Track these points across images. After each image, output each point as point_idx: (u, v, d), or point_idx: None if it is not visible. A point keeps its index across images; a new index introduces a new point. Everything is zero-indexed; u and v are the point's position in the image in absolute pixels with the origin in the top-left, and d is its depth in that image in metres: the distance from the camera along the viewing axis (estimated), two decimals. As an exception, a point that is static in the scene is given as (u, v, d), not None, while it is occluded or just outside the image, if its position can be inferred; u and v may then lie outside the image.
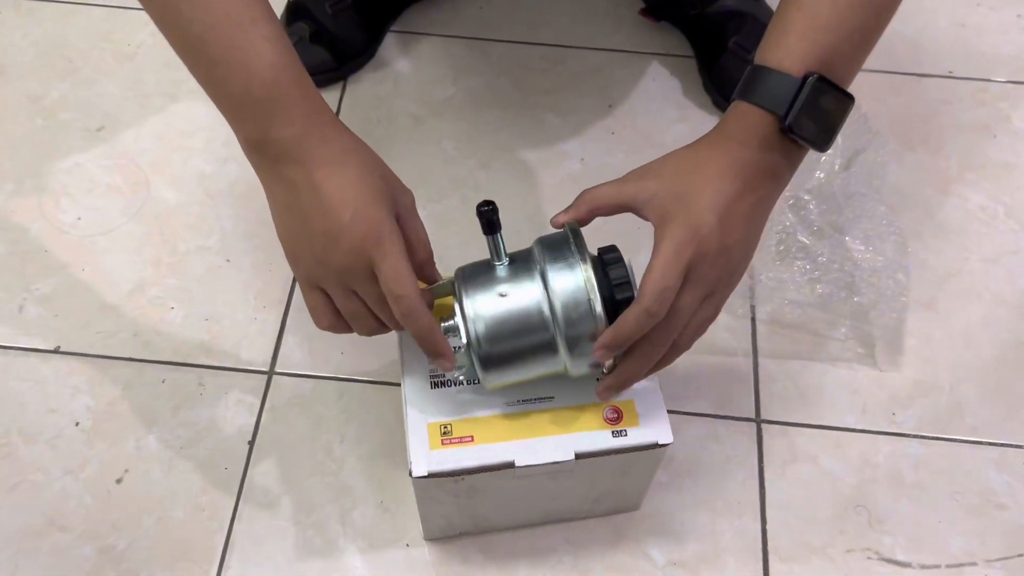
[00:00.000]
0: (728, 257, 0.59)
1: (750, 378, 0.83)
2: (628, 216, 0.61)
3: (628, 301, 0.57)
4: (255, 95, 0.56)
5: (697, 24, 1.02)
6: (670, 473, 0.77)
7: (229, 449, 0.78)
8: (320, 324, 0.63)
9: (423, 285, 0.64)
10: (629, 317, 0.56)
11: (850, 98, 0.60)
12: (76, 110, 0.97)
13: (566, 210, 0.61)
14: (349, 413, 0.80)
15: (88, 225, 0.90)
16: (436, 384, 0.64)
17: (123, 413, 0.79)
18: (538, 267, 0.58)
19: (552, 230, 0.61)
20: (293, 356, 0.83)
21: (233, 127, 0.59)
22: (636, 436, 0.62)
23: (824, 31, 0.59)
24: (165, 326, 0.84)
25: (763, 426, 0.80)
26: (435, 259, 0.64)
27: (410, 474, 0.61)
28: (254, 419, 0.79)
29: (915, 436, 0.80)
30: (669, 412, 0.63)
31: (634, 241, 0.65)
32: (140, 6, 0.58)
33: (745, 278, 0.81)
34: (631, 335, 0.56)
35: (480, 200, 0.58)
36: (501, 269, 0.59)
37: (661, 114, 0.99)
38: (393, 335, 0.64)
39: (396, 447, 0.77)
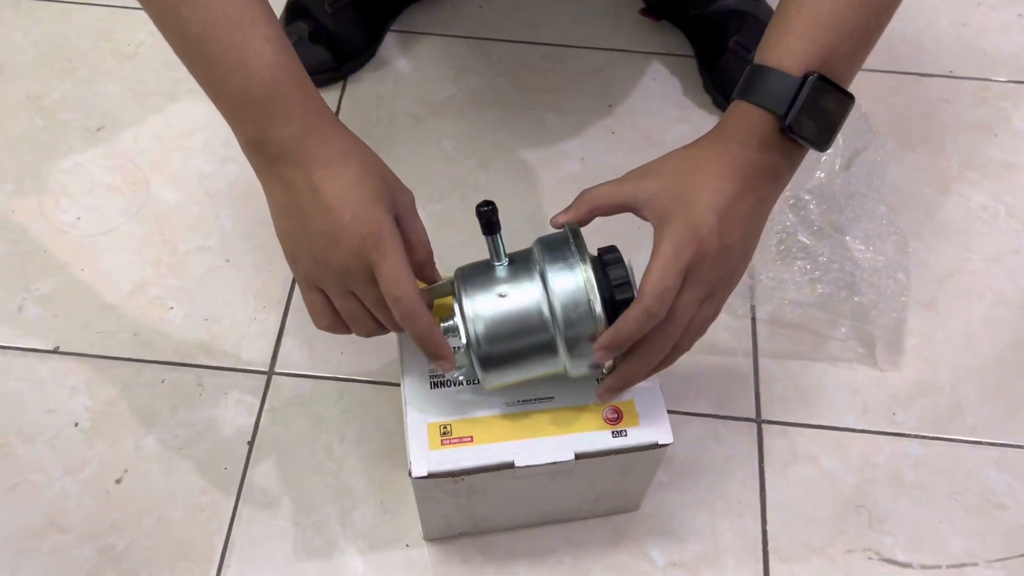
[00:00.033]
0: (728, 257, 0.58)
1: (750, 378, 0.82)
2: (628, 216, 0.61)
3: (628, 302, 0.57)
4: (254, 95, 0.56)
5: (697, 23, 1.02)
6: (670, 473, 0.77)
7: (229, 449, 0.78)
8: (319, 325, 0.63)
9: (423, 285, 0.64)
10: (629, 318, 0.56)
11: (850, 97, 0.60)
12: (76, 110, 0.97)
13: (566, 210, 0.61)
14: (349, 413, 0.80)
15: (88, 225, 0.90)
16: (436, 384, 0.64)
17: (122, 413, 0.79)
18: (538, 267, 0.58)
19: (552, 230, 0.61)
20: (293, 356, 0.83)
21: (232, 127, 0.59)
22: (636, 436, 0.62)
23: (824, 30, 0.59)
24: (165, 326, 0.84)
25: (763, 426, 0.80)
26: (435, 259, 0.63)
27: (410, 474, 0.61)
28: (254, 419, 0.79)
29: (915, 436, 0.80)
30: (669, 412, 0.63)
31: (634, 241, 0.64)
32: (140, 6, 0.58)
33: (745, 278, 0.81)
34: (631, 336, 0.56)
35: (480, 200, 0.58)
36: (501, 269, 0.59)
37: (661, 114, 0.99)
38: (392, 335, 0.64)
39: (396, 447, 0.77)
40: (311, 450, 0.78)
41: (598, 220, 0.61)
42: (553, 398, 0.63)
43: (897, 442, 0.80)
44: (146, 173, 0.93)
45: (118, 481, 0.76)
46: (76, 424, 0.78)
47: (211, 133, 0.95)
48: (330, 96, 0.99)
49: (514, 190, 0.93)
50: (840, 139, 0.83)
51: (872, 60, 0.63)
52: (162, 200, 0.91)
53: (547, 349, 0.58)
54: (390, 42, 1.04)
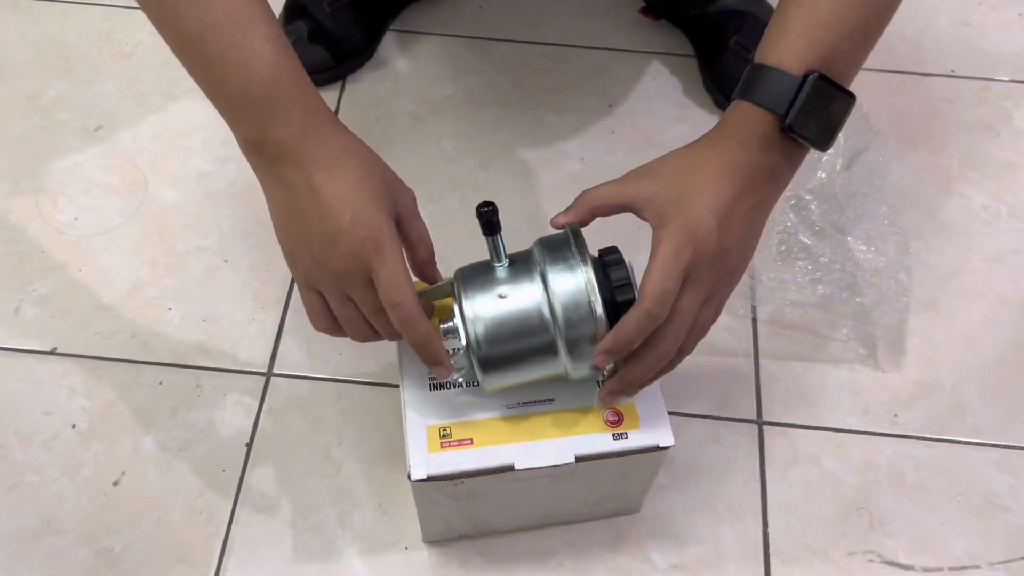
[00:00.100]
0: (726, 258, 0.58)
1: (751, 379, 0.82)
2: (628, 216, 0.60)
3: (629, 303, 0.56)
4: (253, 95, 0.56)
5: (697, 23, 1.02)
6: (671, 475, 0.77)
7: (227, 451, 0.77)
8: (317, 326, 0.62)
9: (423, 285, 0.63)
10: (629, 321, 0.55)
11: (851, 97, 0.59)
12: (74, 109, 0.97)
13: (566, 211, 0.61)
14: (348, 415, 0.79)
15: (86, 225, 0.89)
16: (435, 386, 0.64)
17: (120, 415, 0.79)
18: (538, 268, 0.58)
19: (552, 231, 0.61)
20: (291, 357, 0.82)
21: (231, 127, 0.59)
22: (637, 439, 0.62)
23: (824, 29, 0.58)
24: (163, 327, 0.83)
25: (764, 427, 0.80)
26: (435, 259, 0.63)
27: (409, 477, 0.60)
28: (252, 421, 0.79)
29: (917, 437, 0.80)
30: (670, 413, 0.63)
31: (634, 242, 0.64)
32: (138, 6, 0.57)
33: (746, 278, 0.80)
34: (632, 339, 0.56)
35: (480, 200, 0.57)
36: (501, 270, 0.59)
37: (661, 113, 0.99)
38: (391, 336, 0.64)
39: (395, 449, 0.76)
40: (310, 452, 0.77)
41: (598, 220, 0.61)
42: (553, 400, 0.63)
43: (899, 443, 0.79)
44: (144, 173, 0.93)
45: (116, 483, 0.76)
46: (73, 425, 0.78)
47: (210, 133, 0.95)
48: (329, 96, 0.99)
49: (514, 190, 0.93)
50: (841, 139, 0.83)
51: (873, 60, 0.62)
52: (160, 200, 0.91)
53: (548, 351, 0.58)
54: (389, 42, 1.04)
